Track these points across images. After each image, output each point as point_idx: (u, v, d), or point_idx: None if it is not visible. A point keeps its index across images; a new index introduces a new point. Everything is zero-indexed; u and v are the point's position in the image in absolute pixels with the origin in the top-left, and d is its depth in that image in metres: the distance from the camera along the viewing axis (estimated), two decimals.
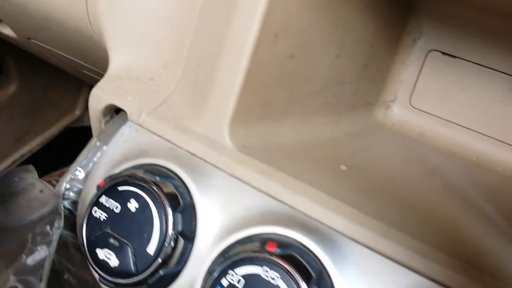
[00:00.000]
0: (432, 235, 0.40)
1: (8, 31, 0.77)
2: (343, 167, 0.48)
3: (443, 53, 0.61)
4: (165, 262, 0.41)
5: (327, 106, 0.56)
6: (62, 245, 0.50)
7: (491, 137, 0.60)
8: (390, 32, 0.60)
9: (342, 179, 0.46)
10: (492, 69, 0.59)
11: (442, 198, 0.48)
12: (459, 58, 0.60)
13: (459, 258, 0.38)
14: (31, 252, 0.44)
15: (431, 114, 0.63)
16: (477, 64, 0.59)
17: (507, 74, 0.58)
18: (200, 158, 0.45)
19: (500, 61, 0.58)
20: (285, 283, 0.37)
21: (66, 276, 0.54)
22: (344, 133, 0.58)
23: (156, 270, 0.41)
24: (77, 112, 1.45)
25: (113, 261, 0.42)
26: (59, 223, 0.45)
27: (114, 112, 0.51)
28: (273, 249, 0.38)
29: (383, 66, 0.61)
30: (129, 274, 0.41)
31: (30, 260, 0.44)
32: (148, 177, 0.43)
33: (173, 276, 0.42)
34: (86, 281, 0.54)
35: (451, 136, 0.62)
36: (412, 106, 0.64)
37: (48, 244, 0.45)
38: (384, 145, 0.58)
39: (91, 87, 0.50)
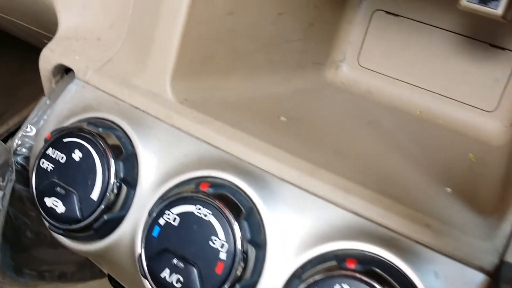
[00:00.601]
0: (359, 175, 0.43)
1: None
2: (282, 118, 0.50)
3: (387, 12, 0.63)
4: (109, 208, 0.44)
5: (273, 64, 0.58)
6: (18, 199, 0.52)
7: (433, 92, 0.63)
8: None
9: (279, 128, 0.48)
10: (432, 25, 0.61)
11: (375, 145, 0.51)
12: (401, 16, 0.63)
13: (383, 194, 0.40)
14: None
15: (378, 72, 0.66)
16: (419, 21, 0.62)
17: (446, 30, 0.60)
18: (143, 111, 0.47)
19: (439, 18, 0.60)
20: (216, 219, 0.39)
21: (28, 234, 0.57)
22: (292, 90, 0.60)
23: (100, 215, 0.44)
24: None
25: (60, 208, 0.44)
26: (12, 176, 0.48)
27: (64, 73, 0.53)
28: (205, 188, 0.40)
29: (329, 26, 0.63)
30: (75, 220, 0.44)
31: None
32: (91, 128, 0.45)
33: (118, 220, 0.45)
34: (44, 235, 0.57)
35: (396, 92, 0.64)
36: (360, 65, 0.66)
37: (1, 197, 0.48)
38: (330, 101, 0.61)
39: None
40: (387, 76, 0.65)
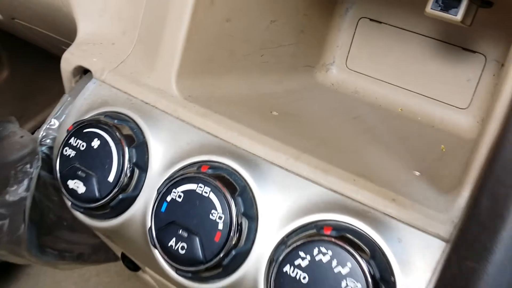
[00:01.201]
0: (339, 159, 0.49)
1: None
2: (274, 113, 0.57)
3: (371, 19, 0.70)
4: (123, 189, 0.51)
5: (268, 66, 0.65)
6: (42, 185, 0.59)
7: (413, 91, 0.69)
8: (323, 1, 0.69)
9: (271, 120, 0.55)
10: (412, 31, 0.68)
11: (357, 136, 0.57)
12: (384, 23, 0.70)
13: (357, 174, 0.47)
14: (14, 186, 0.53)
15: (364, 74, 0.72)
16: (399, 28, 0.69)
17: (423, 35, 0.67)
18: (152, 106, 0.54)
19: (417, 25, 0.67)
20: (215, 195, 0.46)
21: (52, 216, 0.63)
22: (285, 89, 0.67)
23: (116, 195, 0.51)
24: None
25: (81, 189, 0.51)
26: (38, 163, 0.55)
27: (83, 73, 0.60)
28: (206, 170, 0.47)
29: (318, 32, 0.70)
30: (94, 199, 0.51)
31: (13, 194, 0.54)
32: (108, 120, 0.52)
33: (131, 200, 0.52)
34: (65, 219, 0.64)
35: (380, 92, 0.71)
36: (348, 67, 0.73)
37: (29, 181, 0.55)
38: (319, 99, 0.68)
39: None
40: (372, 77, 0.72)
